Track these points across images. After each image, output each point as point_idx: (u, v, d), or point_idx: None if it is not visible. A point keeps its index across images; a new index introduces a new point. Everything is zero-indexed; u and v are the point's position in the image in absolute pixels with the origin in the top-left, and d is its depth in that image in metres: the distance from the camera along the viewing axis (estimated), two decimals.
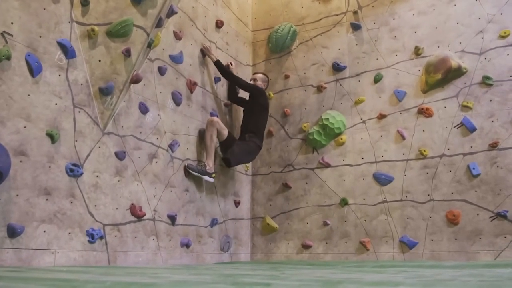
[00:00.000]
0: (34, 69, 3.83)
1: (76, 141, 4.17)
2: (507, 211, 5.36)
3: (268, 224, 6.57)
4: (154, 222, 4.97)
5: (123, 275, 2.69)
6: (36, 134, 3.83)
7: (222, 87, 6.36)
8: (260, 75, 6.42)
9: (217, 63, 5.99)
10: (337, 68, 6.56)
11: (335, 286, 2.06)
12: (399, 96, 6.14)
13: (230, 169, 6.33)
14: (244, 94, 6.40)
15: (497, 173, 5.50)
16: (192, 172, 5.48)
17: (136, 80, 4.63)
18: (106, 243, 4.37)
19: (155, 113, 5.13)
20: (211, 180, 5.66)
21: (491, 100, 5.66)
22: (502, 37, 5.71)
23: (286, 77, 6.89)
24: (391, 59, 6.29)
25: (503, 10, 5.76)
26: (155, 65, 5.19)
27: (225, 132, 5.76)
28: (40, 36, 3.94)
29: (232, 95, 6.42)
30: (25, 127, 3.74)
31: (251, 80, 6.40)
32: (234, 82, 6.20)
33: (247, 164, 6.74)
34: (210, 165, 5.61)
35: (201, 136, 5.81)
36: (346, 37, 6.63)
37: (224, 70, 6.04)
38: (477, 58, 5.82)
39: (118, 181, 4.58)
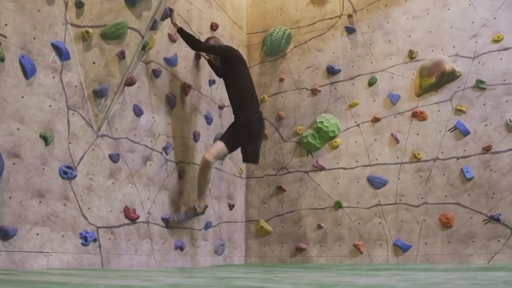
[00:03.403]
0: (28, 71, 3.81)
1: (70, 143, 4.15)
2: (500, 215, 5.38)
3: (262, 227, 6.56)
4: (148, 224, 4.96)
5: (116, 278, 2.68)
6: (30, 136, 3.81)
7: (216, 90, 6.35)
8: (212, 38, 5.69)
9: (180, 31, 5.26)
10: (331, 71, 6.57)
11: None
12: (393, 99, 6.16)
13: (224, 172, 6.33)
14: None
15: (490, 177, 5.52)
16: (184, 220, 5.24)
17: (130, 82, 4.62)
18: (99, 246, 4.35)
19: (149, 115, 5.12)
20: (202, 215, 5.40)
21: (484, 104, 5.69)
22: (496, 41, 5.75)
23: (281, 80, 6.90)
24: (385, 63, 6.31)
25: (497, 15, 5.80)
26: (150, 67, 5.18)
27: (225, 151, 5.24)
28: (34, 38, 3.92)
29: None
30: (18, 129, 3.72)
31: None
32: (203, 49, 5.56)
33: (241, 167, 6.74)
34: (201, 205, 5.26)
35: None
36: (340, 40, 6.65)
37: (190, 38, 5.31)
38: (470, 62, 5.85)
39: (112, 183, 4.56)
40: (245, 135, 5.25)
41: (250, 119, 5.24)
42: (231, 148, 5.27)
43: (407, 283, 2.44)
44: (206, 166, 5.15)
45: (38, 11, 3.98)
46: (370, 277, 3.10)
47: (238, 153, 6.54)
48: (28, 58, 3.84)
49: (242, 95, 5.33)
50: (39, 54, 3.95)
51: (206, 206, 5.35)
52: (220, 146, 5.18)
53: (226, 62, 5.45)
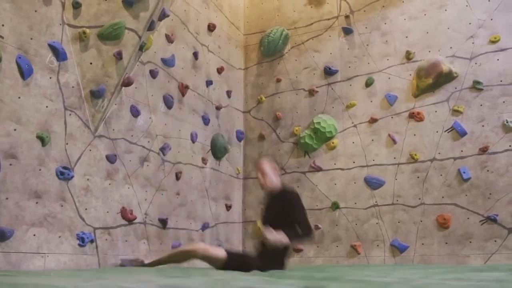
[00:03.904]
0: (24, 72, 3.81)
1: (67, 144, 4.15)
2: (497, 215, 5.39)
3: (259, 228, 6.55)
4: (145, 225, 4.96)
5: (112, 279, 2.67)
6: (27, 137, 3.80)
7: (214, 91, 6.35)
8: (265, 164, 4.41)
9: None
10: (328, 72, 6.58)
11: None
12: (390, 100, 6.17)
13: (221, 172, 6.33)
14: None
15: (487, 177, 5.53)
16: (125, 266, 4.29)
17: (127, 83, 4.61)
18: (96, 247, 4.35)
19: (146, 116, 5.12)
20: None
21: (481, 105, 5.70)
22: (493, 42, 5.75)
23: (278, 80, 6.90)
24: (382, 64, 6.32)
25: (494, 16, 5.81)
26: (147, 68, 5.18)
27: (221, 255, 3.89)
28: (31, 38, 3.92)
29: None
30: (15, 129, 3.71)
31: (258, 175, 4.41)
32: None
33: (239, 168, 6.74)
34: (153, 262, 4.27)
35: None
36: (338, 41, 6.65)
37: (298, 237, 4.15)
38: (467, 63, 5.85)
39: (109, 184, 4.56)
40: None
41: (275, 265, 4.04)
42: (232, 262, 3.89)
43: (403, 285, 2.45)
44: (191, 254, 4.05)
45: (35, 11, 3.98)
46: (367, 277, 3.10)
47: (234, 154, 6.56)
48: (25, 58, 3.83)
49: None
50: (36, 55, 3.94)
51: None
52: (220, 253, 3.94)
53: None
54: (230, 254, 3.94)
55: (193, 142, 5.82)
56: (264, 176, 4.31)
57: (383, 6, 6.44)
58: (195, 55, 6.00)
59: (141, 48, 4.72)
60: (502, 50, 5.71)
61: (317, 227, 6.24)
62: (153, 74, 5.25)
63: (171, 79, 5.54)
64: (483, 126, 5.65)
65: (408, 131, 6.02)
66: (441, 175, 5.76)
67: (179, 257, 4.21)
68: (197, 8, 6.16)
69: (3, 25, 3.70)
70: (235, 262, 3.84)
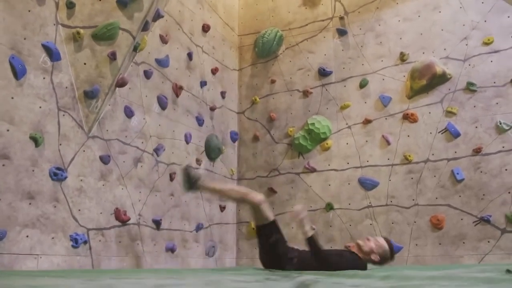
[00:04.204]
0: (18, 72, 3.79)
1: (60, 144, 4.13)
2: (490, 216, 5.41)
3: (253, 228, 6.54)
4: (139, 226, 4.94)
5: (106, 279, 2.66)
6: (20, 138, 3.78)
7: (208, 91, 6.35)
8: (382, 245, 4.31)
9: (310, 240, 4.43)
10: (323, 73, 6.58)
11: None
12: (384, 101, 6.18)
13: (215, 173, 6.32)
14: None
15: (480, 178, 5.55)
16: (185, 175, 4.47)
17: (121, 83, 4.60)
18: (90, 248, 4.33)
19: (140, 117, 5.10)
20: (184, 188, 4.58)
21: (475, 106, 5.72)
22: (486, 44, 5.78)
23: (272, 81, 6.90)
24: (376, 65, 6.33)
25: (487, 17, 5.83)
26: (141, 68, 5.17)
27: (270, 215, 4.35)
28: (25, 38, 3.90)
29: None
30: (8, 130, 3.70)
31: (369, 249, 4.31)
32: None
33: (233, 168, 6.73)
34: (208, 186, 4.56)
35: None
36: (332, 42, 6.66)
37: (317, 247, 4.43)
38: (461, 64, 5.87)
39: (103, 185, 4.54)
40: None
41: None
42: (271, 227, 4.40)
43: (394, 283, 2.45)
44: (247, 199, 4.40)
45: (29, 11, 3.96)
46: (360, 279, 3.10)
47: (228, 155, 6.55)
48: (18, 58, 3.81)
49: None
50: (29, 55, 3.93)
51: (197, 186, 4.48)
52: (270, 214, 4.40)
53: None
54: (276, 224, 4.41)
55: (187, 143, 5.81)
56: (376, 245, 4.32)
57: (377, 8, 6.46)
58: (190, 55, 6.00)
59: (135, 48, 4.71)
60: (495, 51, 5.73)
61: (311, 228, 6.23)
62: (147, 74, 5.24)
63: (165, 79, 5.53)
64: (476, 127, 5.67)
65: (402, 132, 6.03)
66: (434, 176, 5.77)
67: (235, 195, 4.70)
68: (192, 8, 6.15)
69: None
70: (273, 232, 4.37)
